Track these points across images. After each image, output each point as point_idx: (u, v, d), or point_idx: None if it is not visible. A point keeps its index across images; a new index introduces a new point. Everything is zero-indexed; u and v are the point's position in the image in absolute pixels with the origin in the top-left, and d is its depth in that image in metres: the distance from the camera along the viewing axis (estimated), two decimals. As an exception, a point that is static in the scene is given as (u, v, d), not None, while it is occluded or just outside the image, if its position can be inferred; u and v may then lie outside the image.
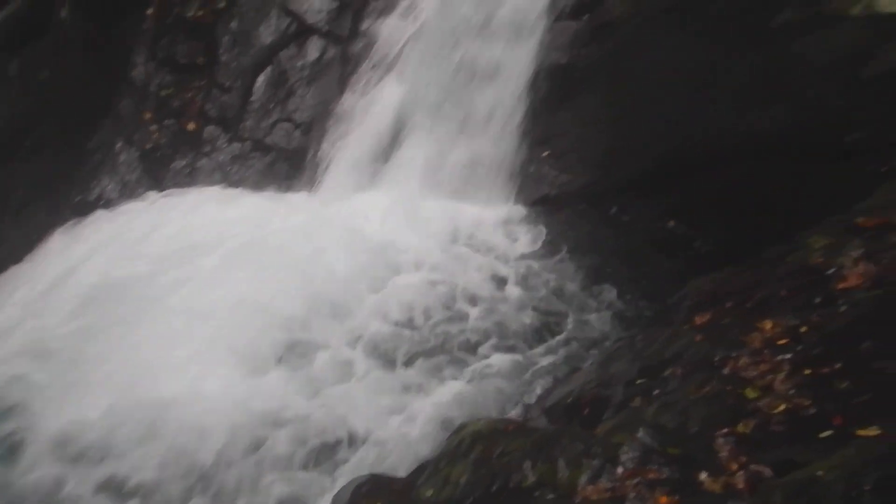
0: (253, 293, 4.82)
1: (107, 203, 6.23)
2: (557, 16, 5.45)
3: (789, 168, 4.66)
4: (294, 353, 4.58)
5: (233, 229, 5.48)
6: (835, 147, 4.36)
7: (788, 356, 3.03)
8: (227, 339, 4.56)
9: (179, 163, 6.36)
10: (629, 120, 5.32)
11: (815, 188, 4.39)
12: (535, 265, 5.18)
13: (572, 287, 5.02)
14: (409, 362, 4.53)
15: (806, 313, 3.23)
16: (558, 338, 4.63)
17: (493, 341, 4.62)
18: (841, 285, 3.22)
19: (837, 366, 2.82)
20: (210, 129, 6.40)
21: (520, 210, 5.53)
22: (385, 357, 4.57)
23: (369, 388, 4.37)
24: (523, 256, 5.25)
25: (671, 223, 5.41)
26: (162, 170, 6.35)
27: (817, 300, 3.25)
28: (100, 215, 6.07)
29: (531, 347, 4.59)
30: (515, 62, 5.43)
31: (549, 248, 5.30)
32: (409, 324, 4.76)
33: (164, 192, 6.15)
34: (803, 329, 3.13)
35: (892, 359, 2.68)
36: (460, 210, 5.57)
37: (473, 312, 4.82)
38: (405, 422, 4.12)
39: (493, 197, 5.58)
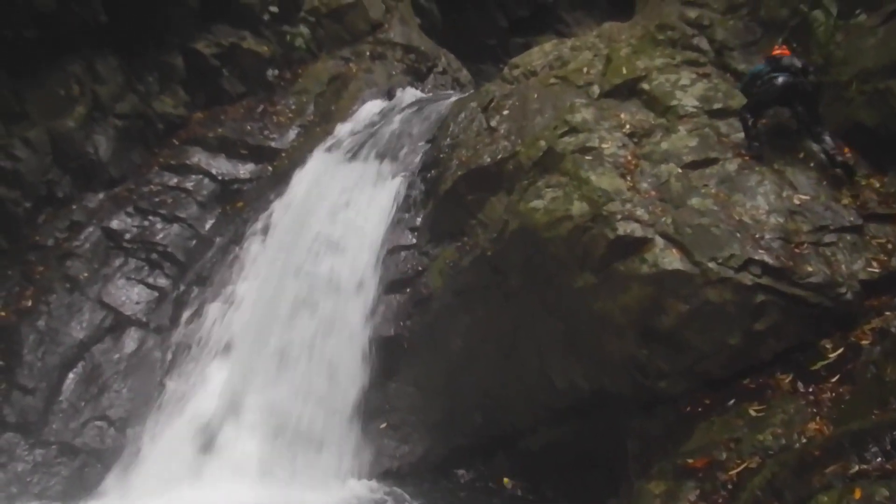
0: None
1: None
2: (383, 290, 5.73)
3: (607, 420, 4.86)
4: None
5: None
6: (644, 395, 4.59)
7: None
8: None
9: (-38, 485, 5.52)
10: (452, 389, 5.51)
11: (638, 436, 4.61)
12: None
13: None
14: None
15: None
16: None
17: None
18: (687, 532, 3.35)
19: None
20: (7, 437, 5.71)
21: (364, 486, 5.32)
22: None
23: None
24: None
25: (507, 482, 5.44)
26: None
27: (669, 552, 3.34)
28: None
29: None
30: (346, 339, 5.55)
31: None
32: None
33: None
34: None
35: None
36: (296, 497, 5.21)
37: None
38: None
39: (333, 477, 5.35)
